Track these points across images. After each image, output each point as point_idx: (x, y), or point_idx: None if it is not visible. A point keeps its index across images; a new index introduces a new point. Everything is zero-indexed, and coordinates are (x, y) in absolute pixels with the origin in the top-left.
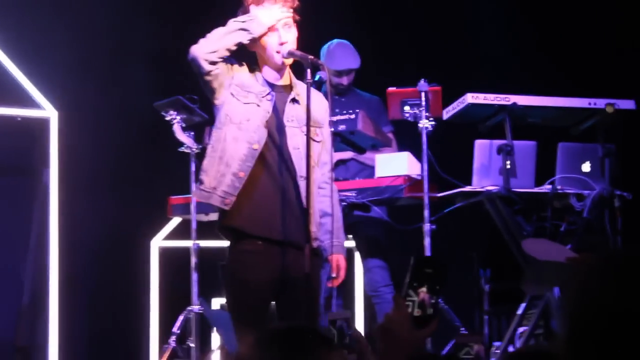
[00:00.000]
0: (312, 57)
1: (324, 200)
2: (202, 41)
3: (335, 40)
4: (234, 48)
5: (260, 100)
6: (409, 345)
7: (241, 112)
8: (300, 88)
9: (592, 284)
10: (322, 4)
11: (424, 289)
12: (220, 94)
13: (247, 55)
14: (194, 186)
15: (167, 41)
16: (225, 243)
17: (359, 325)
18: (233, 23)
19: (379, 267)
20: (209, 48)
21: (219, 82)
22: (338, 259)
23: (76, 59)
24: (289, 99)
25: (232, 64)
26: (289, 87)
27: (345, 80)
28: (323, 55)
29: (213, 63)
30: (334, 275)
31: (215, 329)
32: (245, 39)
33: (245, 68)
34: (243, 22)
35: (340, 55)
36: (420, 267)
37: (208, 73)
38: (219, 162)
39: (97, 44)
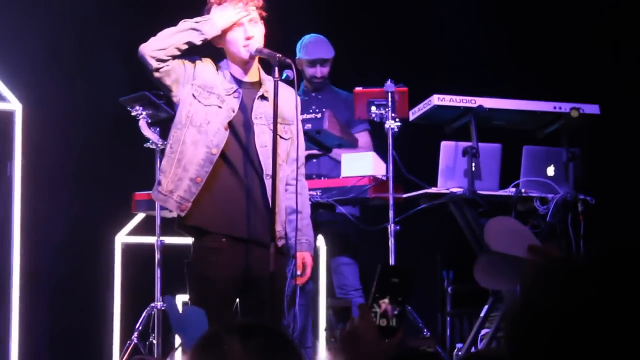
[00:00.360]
0: (279, 55)
1: (292, 197)
2: (151, 39)
3: (310, 34)
4: (184, 47)
5: (224, 99)
6: (374, 354)
7: (202, 114)
8: (269, 85)
9: (537, 287)
10: (290, 3)
11: (386, 300)
12: (177, 90)
13: (214, 51)
14: (155, 187)
15: (134, 35)
16: (190, 240)
17: (322, 326)
18: (184, 23)
19: (348, 268)
20: (157, 46)
21: (171, 79)
22: (304, 257)
23: (42, 52)
24: (257, 96)
25: (193, 62)
26: (258, 84)
27: (318, 72)
28: (298, 48)
29: (161, 60)
30: (299, 272)
31: (176, 332)
32: (197, 39)
33: (209, 66)
34: (196, 22)
35: (312, 46)
36: (385, 277)
37: (157, 70)
38: (177, 164)
39: (64, 37)
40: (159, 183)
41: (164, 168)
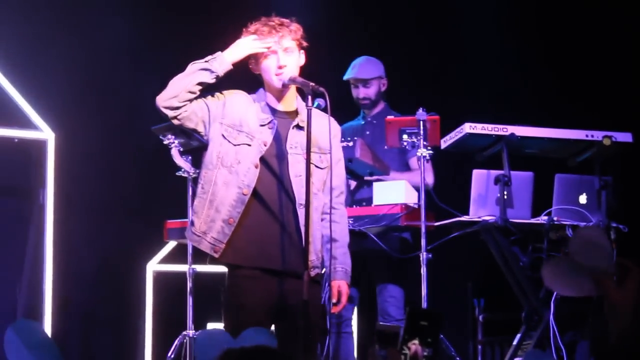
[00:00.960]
0: (312, 83)
1: (335, 227)
2: (163, 90)
3: (362, 56)
4: (197, 88)
5: (254, 135)
6: None
7: (232, 155)
8: (305, 114)
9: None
10: (318, 32)
11: (415, 342)
12: (205, 130)
13: (253, 79)
14: (188, 226)
15: (166, 64)
16: (223, 268)
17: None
18: (192, 65)
19: (393, 297)
20: (168, 94)
21: (194, 122)
22: (339, 285)
23: (74, 81)
24: (292, 125)
25: (220, 100)
26: (294, 113)
27: (361, 93)
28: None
29: (176, 108)
30: (334, 301)
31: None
32: (208, 78)
33: (240, 100)
34: (205, 61)
35: (353, 67)
36: (414, 319)
37: (174, 118)
38: (209, 205)
39: (96, 66)
40: (192, 224)
41: (196, 209)
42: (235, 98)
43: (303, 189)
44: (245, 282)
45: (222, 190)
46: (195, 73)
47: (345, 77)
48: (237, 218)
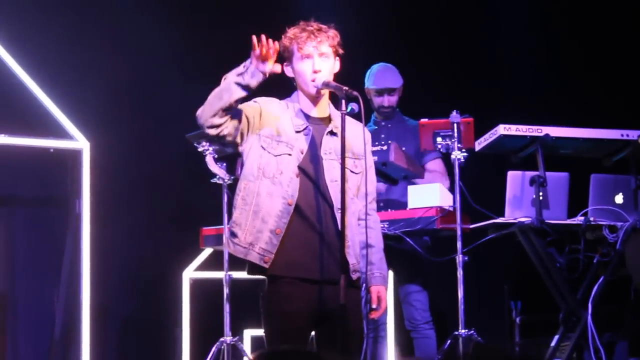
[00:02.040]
0: (346, 88)
1: (364, 231)
2: (202, 108)
3: (379, 63)
4: (235, 105)
5: (293, 144)
6: None
7: (273, 165)
8: (338, 120)
9: None
10: (355, 34)
11: None
12: (243, 141)
13: (288, 83)
14: (226, 237)
15: (198, 71)
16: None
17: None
18: (225, 79)
19: (418, 297)
20: (208, 113)
21: (234, 135)
22: (379, 290)
23: (108, 90)
24: (326, 132)
25: (257, 110)
26: (328, 119)
27: (386, 101)
28: (366, 77)
29: (217, 126)
30: (374, 306)
31: None
32: (242, 93)
33: (274, 108)
34: (238, 74)
35: (380, 75)
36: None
37: (217, 135)
38: (254, 216)
39: (129, 74)
40: (235, 235)
41: (238, 220)
42: (270, 107)
43: (340, 194)
44: (286, 288)
45: (266, 201)
46: (230, 89)
47: (371, 86)
48: (284, 228)
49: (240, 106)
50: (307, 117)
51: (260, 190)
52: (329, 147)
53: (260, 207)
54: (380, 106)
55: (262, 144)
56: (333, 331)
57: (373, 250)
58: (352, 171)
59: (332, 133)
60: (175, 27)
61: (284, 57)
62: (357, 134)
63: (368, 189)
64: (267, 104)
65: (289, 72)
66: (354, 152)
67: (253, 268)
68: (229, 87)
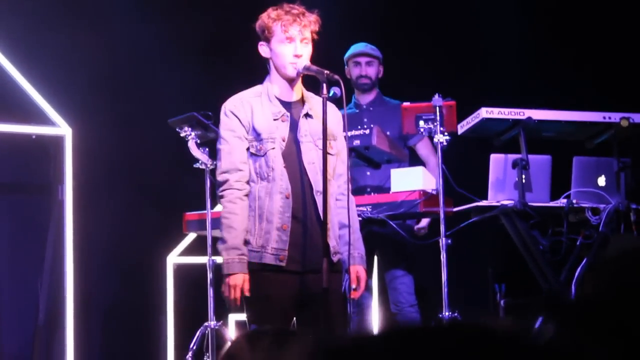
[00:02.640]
0: (328, 71)
1: (341, 212)
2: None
3: None
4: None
5: (274, 136)
6: None
7: (264, 165)
8: (313, 102)
9: None
10: (333, 17)
11: None
12: None
13: (262, 67)
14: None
15: (180, 57)
16: None
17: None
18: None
19: (403, 281)
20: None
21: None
22: (358, 270)
23: (90, 76)
24: (302, 114)
25: (241, 122)
26: (302, 102)
27: (364, 70)
28: (345, 55)
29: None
30: (354, 286)
31: None
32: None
33: (246, 109)
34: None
35: (357, 45)
36: None
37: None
38: (259, 220)
39: (111, 59)
40: (247, 242)
41: (248, 228)
42: (242, 112)
43: (317, 176)
44: (268, 274)
45: (266, 201)
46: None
47: (348, 54)
48: (289, 223)
49: (233, 143)
50: (282, 102)
51: (260, 193)
52: (305, 129)
53: (263, 209)
54: (359, 76)
55: (251, 150)
56: (315, 314)
57: (352, 230)
58: (328, 153)
59: (307, 115)
60: (157, 13)
61: (261, 36)
62: (332, 114)
63: (342, 169)
64: (239, 112)
65: (264, 52)
66: (329, 134)
67: (267, 269)
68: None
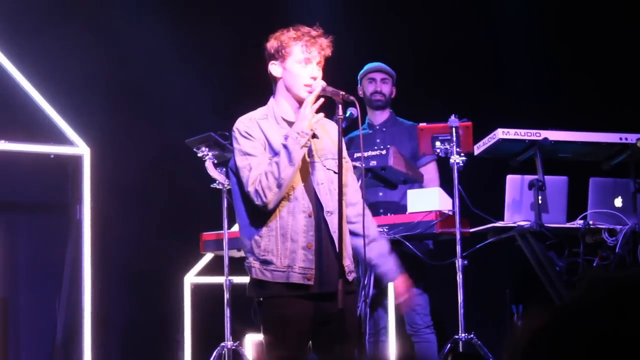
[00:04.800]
0: (343, 92)
1: (369, 226)
2: (265, 194)
3: None
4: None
5: None
6: None
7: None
8: (321, 121)
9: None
10: (350, 37)
11: None
12: None
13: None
14: (256, 268)
15: (199, 78)
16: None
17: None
18: (286, 150)
19: (420, 305)
20: (280, 193)
21: None
22: (403, 281)
23: (109, 97)
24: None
25: (261, 141)
26: None
27: (379, 87)
28: (358, 77)
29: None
30: (400, 300)
31: None
32: (304, 142)
33: (260, 128)
34: (296, 137)
35: (370, 65)
36: None
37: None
38: (282, 239)
39: (130, 80)
40: (269, 262)
41: (268, 248)
42: (255, 129)
43: (327, 197)
44: (287, 297)
45: (289, 220)
46: (300, 150)
47: (363, 71)
48: (313, 241)
49: (259, 155)
50: (289, 123)
51: (282, 213)
52: (312, 149)
53: (286, 228)
54: (373, 92)
55: None
56: (331, 335)
57: (380, 243)
58: (334, 172)
59: (313, 136)
60: (176, 33)
61: (274, 55)
62: (333, 133)
63: (355, 183)
64: (253, 132)
65: (275, 71)
66: (333, 153)
67: (298, 288)
68: (297, 151)
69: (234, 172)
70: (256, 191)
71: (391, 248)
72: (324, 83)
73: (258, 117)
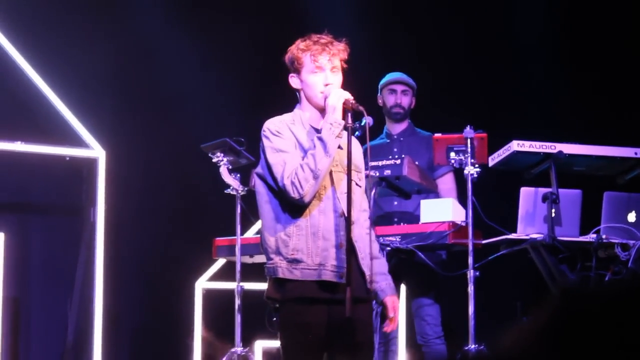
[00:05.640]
0: (353, 101)
1: (374, 245)
2: (302, 185)
3: None
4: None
5: None
6: None
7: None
8: (342, 133)
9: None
10: (366, 50)
11: None
12: None
13: (293, 98)
14: (283, 267)
15: (215, 83)
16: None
17: None
18: (321, 141)
19: (430, 311)
20: (315, 187)
21: None
22: (394, 300)
23: (124, 99)
24: None
25: (292, 143)
26: None
27: (399, 99)
28: (379, 86)
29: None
30: (391, 315)
31: None
32: (338, 131)
33: (289, 129)
34: (329, 128)
35: (393, 74)
36: None
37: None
38: (313, 238)
39: (146, 84)
40: (299, 261)
41: (298, 246)
42: (285, 129)
43: (350, 206)
44: (306, 300)
45: (320, 219)
46: (335, 141)
47: (384, 81)
48: (345, 241)
49: (291, 151)
50: (315, 130)
51: (311, 211)
52: (336, 159)
53: (318, 227)
54: (394, 105)
55: None
56: (347, 344)
57: (381, 261)
58: (357, 184)
59: (338, 147)
60: (196, 37)
61: (290, 68)
62: (358, 146)
63: (364, 205)
64: (283, 131)
65: (295, 83)
66: (356, 165)
67: (324, 288)
68: (333, 141)
69: (260, 176)
70: (292, 183)
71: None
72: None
73: (287, 121)
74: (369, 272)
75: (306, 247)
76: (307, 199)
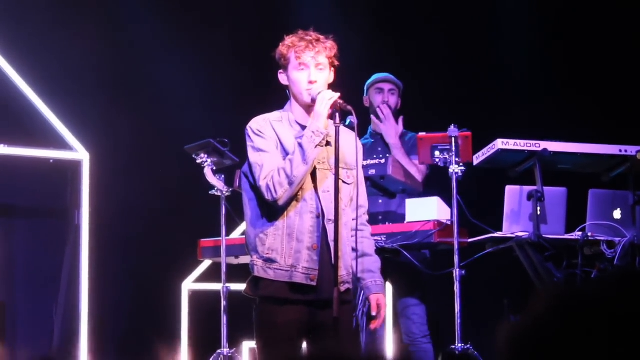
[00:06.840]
0: (341, 101)
1: (364, 241)
2: (276, 189)
3: None
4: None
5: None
6: None
7: None
8: (332, 130)
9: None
10: (350, 47)
11: None
12: None
13: (281, 93)
14: (259, 266)
15: (198, 84)
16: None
17: None
18: (301, 148)
19: (416, 310)
20: (292, 191)
21: None
22: (378, 298)
23: (108, 102)
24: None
25: (274, 142)
26: None
27: (386, 97)
28: (365, 86)
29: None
30: (374, 314)
31: None
32: (319, 140)
33: (272, 128)
34: (310, 136)
35: (380, 74)
36: None
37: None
38: (288, 239)
39: (129, 86)
40: (272, 261)
41: (273, 246)
42: (268, 129)
43: (331, 205)
44: (278, 300)
45: (296, 220)
46: (315, 149)
47: (370, 81)
48: (318, 242)
49: (272, 151)
50: (302, 127)
51: (288, 212)
52: (322, 156)
53: (292, 228)
54: (381, 103)
55: None
56: (325, 339)
57: (372, 259)
58: (344, 182)
59: (326, 143)
60: (179, 39)
61: (279, 64)
62: (350, 144)
63: (362, 200)
64: (266, 131)
65: (283, 80)
66: (346, 163)
67: (295, 289)
68: (310, 154)
69: (245, 174)
70: (267, 186)
71: (381, 265)
72: (322, 88)
73: (272, 119)
74: (343, 272)
75: (281, 247)
76: (281, 203)
